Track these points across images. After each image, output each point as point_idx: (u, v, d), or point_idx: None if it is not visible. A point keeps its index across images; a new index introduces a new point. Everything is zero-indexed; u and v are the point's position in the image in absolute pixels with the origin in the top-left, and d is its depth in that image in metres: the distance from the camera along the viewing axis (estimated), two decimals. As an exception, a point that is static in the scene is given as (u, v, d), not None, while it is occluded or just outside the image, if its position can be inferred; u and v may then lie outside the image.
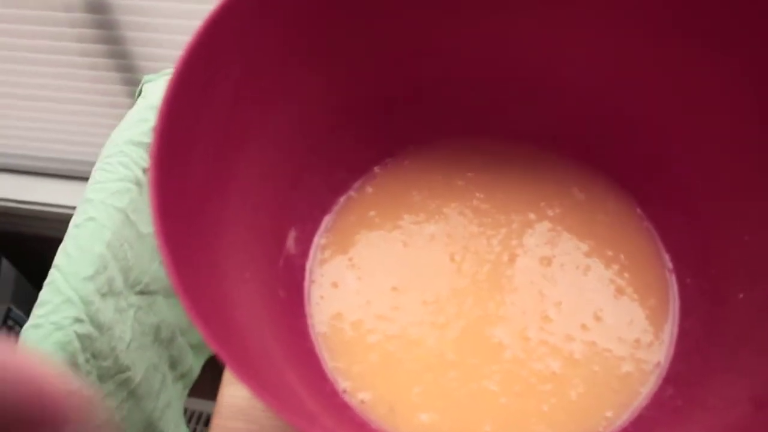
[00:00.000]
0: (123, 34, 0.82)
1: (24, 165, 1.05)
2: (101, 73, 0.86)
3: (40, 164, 1.04)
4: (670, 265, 0.41)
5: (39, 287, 0.50)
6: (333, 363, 0.38)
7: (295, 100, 0.37)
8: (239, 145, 0.34)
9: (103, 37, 0.82)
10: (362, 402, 0.37)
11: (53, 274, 0.49)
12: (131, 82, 0.88)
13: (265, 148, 0.36)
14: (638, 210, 0.42)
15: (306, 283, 0.40)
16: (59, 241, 0.51)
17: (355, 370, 0.38)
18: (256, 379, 0.25)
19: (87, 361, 0.50)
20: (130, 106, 0.59)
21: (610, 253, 0.41)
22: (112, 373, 0.53)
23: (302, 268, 0.40)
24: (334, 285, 0.40)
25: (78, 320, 0.48)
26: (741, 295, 0.36)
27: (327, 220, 0.42)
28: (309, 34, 0.35)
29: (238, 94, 0.32)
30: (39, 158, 1.04)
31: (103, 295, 0.50)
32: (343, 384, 0.38)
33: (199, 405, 1.14)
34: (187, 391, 0.70)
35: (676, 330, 0.39)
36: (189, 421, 1.16)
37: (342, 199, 0.43)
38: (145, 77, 0.58)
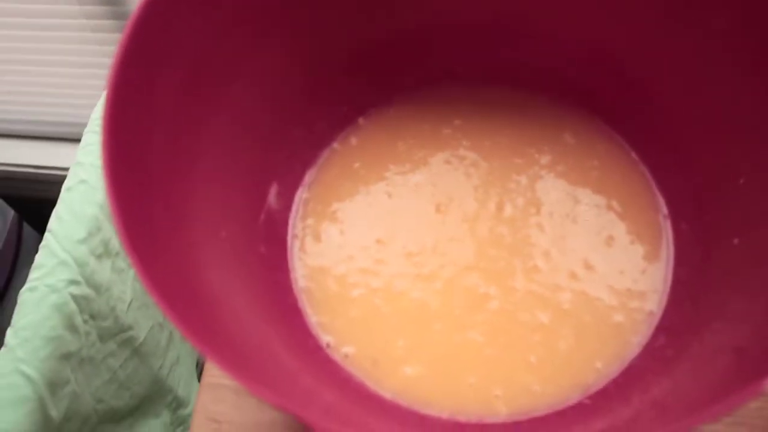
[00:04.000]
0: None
1: (42, 131, 1.05)
2: (105, 35, 0.86)
3: (58, 129, 1.04)
4: (665, 210, 0.39)
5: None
6: (316, 318, 0.38)
7: (271, 56, 0.35)
8: (208, 102, 0.33)
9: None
10: (345, 356, 0.37)
11: (47, 238, 0.49)
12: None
13: (240, 104, 0.35)
14: (633, 154, 0.40)
15: (288, 238, 0.40)
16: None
17: (338, 325, 0.37)
18: (220, 350, 0.24)
19: (85, 321, 0.50)
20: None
21: (602, 199, 0.39)
22: (113, 333, 0.54)
23: (284, 223, 0.40)
24: (317, 239, 0.39)
25: (73, 282, 0.48)
26: (736, 241, 0.34)
27: (310, 173, 0.41)
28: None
29: (204, 53, 0.31)
30: (55, 123, 1.04)
31: (99, 257, 0.51)
32: (326, 339, 0.37)
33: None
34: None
35: (670, 278, 0.37)
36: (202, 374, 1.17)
37: (325, 152, 0.42)
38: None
